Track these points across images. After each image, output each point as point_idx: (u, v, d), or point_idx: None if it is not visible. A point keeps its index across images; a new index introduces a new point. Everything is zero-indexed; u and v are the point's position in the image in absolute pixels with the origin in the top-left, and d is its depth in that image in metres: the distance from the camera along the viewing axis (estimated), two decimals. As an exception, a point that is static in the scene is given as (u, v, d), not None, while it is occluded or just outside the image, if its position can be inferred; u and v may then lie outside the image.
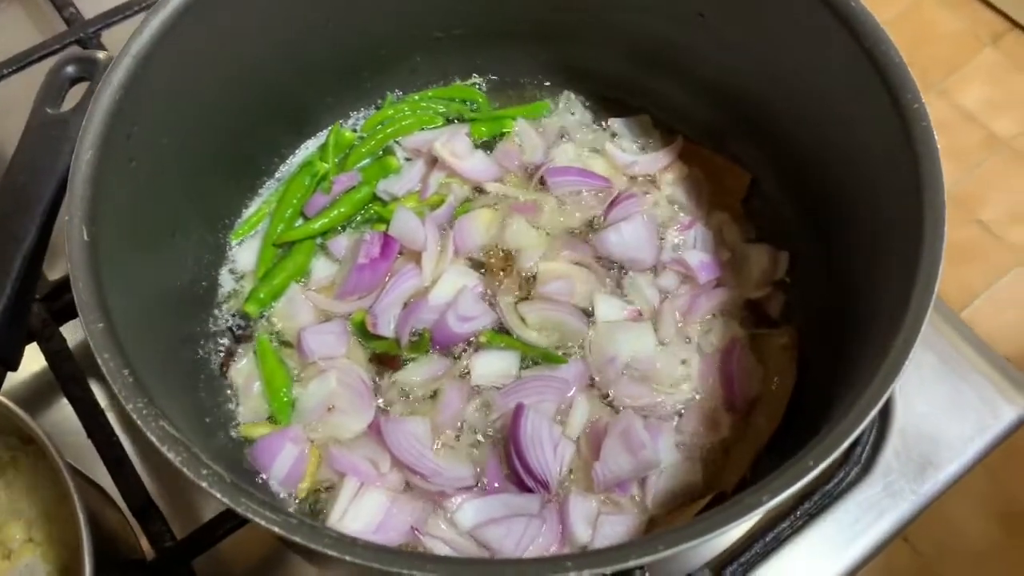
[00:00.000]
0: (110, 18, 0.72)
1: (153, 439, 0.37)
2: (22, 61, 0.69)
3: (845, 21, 0.47)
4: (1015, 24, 2.19)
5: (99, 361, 0.39)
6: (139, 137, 0.48)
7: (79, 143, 0.44)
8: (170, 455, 0.37)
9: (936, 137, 0.44)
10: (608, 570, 0.35)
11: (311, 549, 0.35)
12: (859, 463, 0.56)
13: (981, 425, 0.58)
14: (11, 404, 0.44)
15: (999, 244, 1.90)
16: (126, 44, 0.47)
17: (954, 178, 1.96)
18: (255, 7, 0.54)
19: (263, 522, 0.35)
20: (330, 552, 0.35)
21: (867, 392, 0.38)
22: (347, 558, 0.34)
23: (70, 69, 0.55)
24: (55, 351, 0.59)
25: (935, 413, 0.58)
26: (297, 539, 0.35)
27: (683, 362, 0.56)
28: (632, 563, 0.35)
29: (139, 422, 0.38)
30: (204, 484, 0.36)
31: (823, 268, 0.54)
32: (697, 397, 0.55)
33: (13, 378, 0.61)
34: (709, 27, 0.57)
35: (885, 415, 0.58)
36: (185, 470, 0.37)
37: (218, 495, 0.36)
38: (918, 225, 0.42)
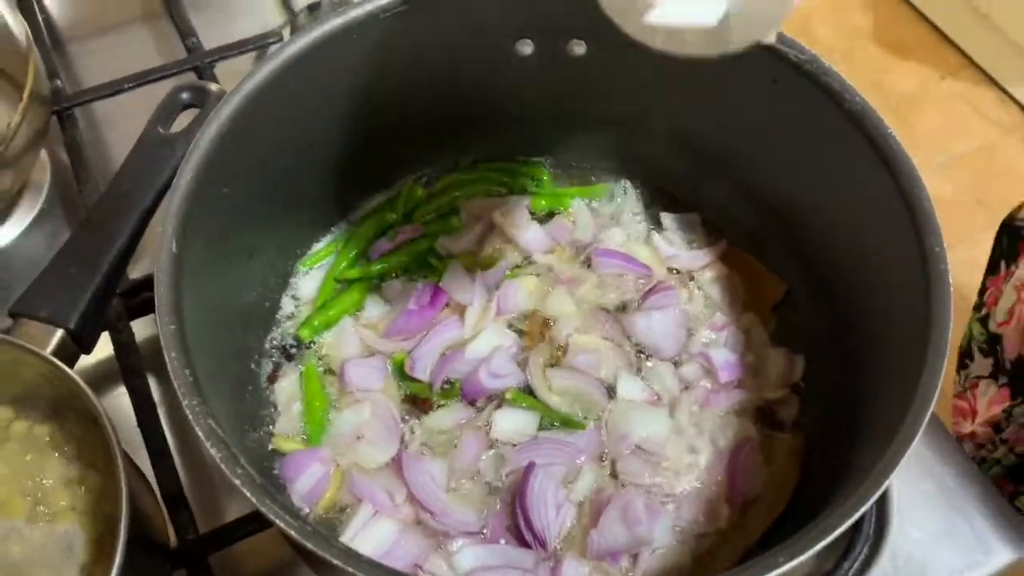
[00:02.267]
0: (225, 52, 0.80)
1: (201, 434, 0.42)
2: (144, 79, 0.77)
3: (886, 162, 0.51)
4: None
5: (167, 358, 0.44)
6: (234, 168, 0.54)
7: (183, 165, 0.50)
8: (212, 451, 0.42)
9: (951, 280, 0.47)
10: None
11: (321, 558, 0.39)
12: (847, 576, 0.58)
13: (972, 561, 0.59)
14: (84, 385, 0.49)
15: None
16: (239, 84, 0.53)
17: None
18: (361, 66, 0.60)
19: (283, 524, 0.39)
20: (338, 562, 0.39)
21: (847, 503, 0.41)
22: (350, 569, 0.38)
23: (184, 96, 0.61)
24: (124, 343, 0.65)
25: (928, 541, 0.60)
26: (310, 545, 0.39)
27: (692, 451, 0.59)
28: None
29: (191, 417, 0.42)
30: (237, 482, 0.41)
31: (835, 377, 0.57)
32: (700, 486, 0.58)
33: (82, 360, 0.67)
34: (765, 143, 0.62)
35: (879, 536, 0.60)
36: (223, 466, 0.41)
37: (247, 493, 0.40)
38: (921, 358, 0.45)
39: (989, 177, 2.19)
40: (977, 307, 1.03)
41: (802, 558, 0.40)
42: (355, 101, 0.63)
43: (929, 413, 0.43)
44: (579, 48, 0.63)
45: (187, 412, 0.43)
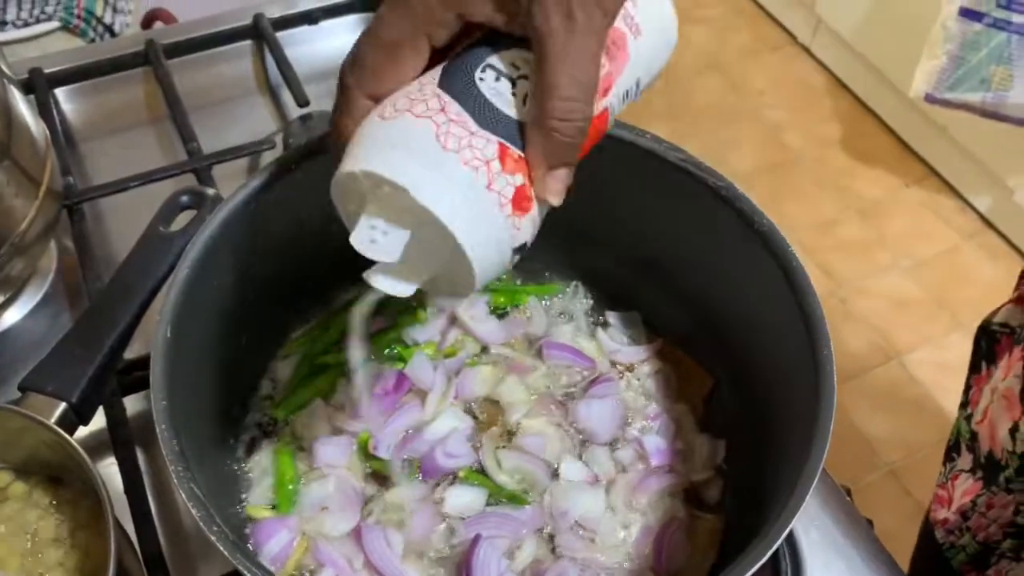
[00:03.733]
0: (222, 156, 0.89)
1: (183, 496, 0.49)
2: (147, 178, 0.85)
3: (786, 276, 0.60)
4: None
5: (158, 430, 0.51)
6: (225, 266, 0.62)
7: (182, 260, 0.58)
8: (193, 511, 0.48)
9: (835, 380, 0.55)
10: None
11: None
12: (760, 646, 0.64)
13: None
14: (84, 454, 0.56)
15: (1008, 490, 1.94)
16: (232, 193, 0.62)
17: (971, 417, 2.02)
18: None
19: (248, 573, 0.46)
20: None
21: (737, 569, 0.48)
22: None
23: (184, 199, 0.70)
24: (116, 416, 0.71)
25: (838, 617, 0.66)
26: (270, 594, 0.46)
27: (625, 527, 0.66)
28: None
29: (176, 482, 0.49)
30: (213, 538, 0.47)
31: (751, 460, 0.64)
32: (628, 564, 0.64)
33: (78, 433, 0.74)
34: (693, 257, 0.70)
35: (793, 610, 0.66)
36: (202, 525, 0.48)
37: (222, 548, 0.47)
38: (808, 442, 0.53)
39: (950, 280, 2.29)
40: (963, 405, 1.08)
41: None
42: (333, 212, 0.71)
43: (809, 492, 0.50)
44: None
45: (173, 476, 0.49)
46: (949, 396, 2.05)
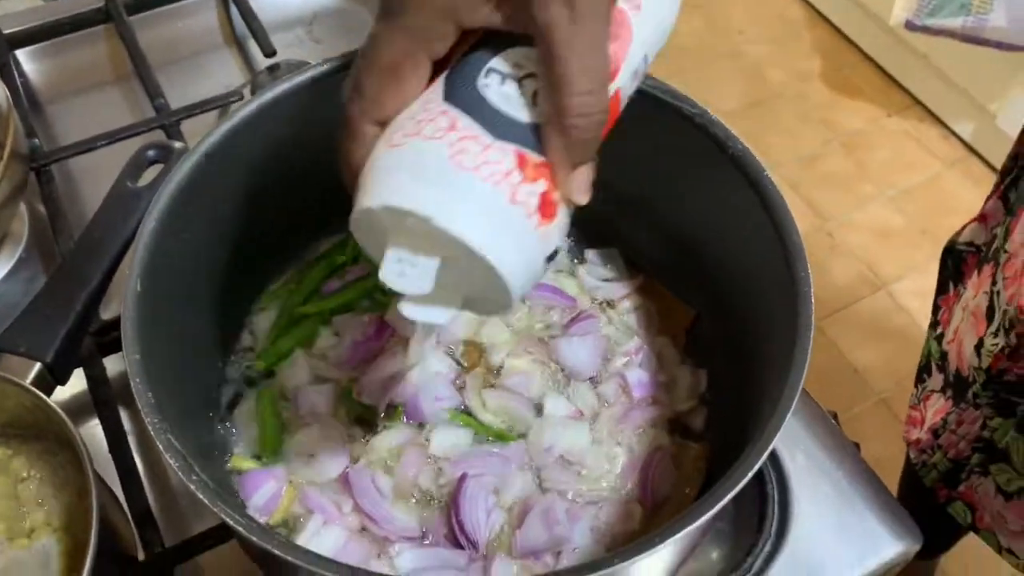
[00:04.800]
0: (190, 111, 0.87)
1: (160, 446, 0.48)
2: (115, 137, 0.84)
3: (762, 200, 0.59)
4: (1035, 206, 2.29)
5: (132, 384, 0.50)
6: (194, 217, 0.61)
7: (147, 215, 0.57)
8: (172, 462, 0.48)
9: (812, 300, 0.55)
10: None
11: (265, 551, 0.46)
12: (751, 570, 0.65)
13: (862, 555, 0.66)
14: (59, 411, 0.56)
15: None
16: (197, 143, 0.61)
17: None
18: (304, 126, 0.67)
19: (230, 521, 0.46)
20: (278, 552, 0.45)
21: (720, 491, 0.48)
22: (289, 559, 0.45)
23: (151, 153, 0.69)
24: (96, 377, 0.71)
25: (825, 538, 0.67)
26: (254, 539, 0.45)
27: (610, 460, 0.66)
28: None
29: (152, 433, 0.49)
30: (192, 487, 0.47)
31: (733, 387, 0.64)
32: (615, 491, 0.65)
33: (59, 395, 0.74)
34: (671, 188, 0.70)
35: (781, 534, 0.67)
36: (180, 474, 0.48)
37: (202, 497, 0.47)
38: (788, 365, 0.52)
39: (934, 208, 2.29)
40: (933, 325, 1.09)
41: (678, 535, 0.46)
42: (306, 156, 0.70)
43: (790, 411, 0.50)
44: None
45: (148, 428, 0.49)
46: (936, 324, 2.07)
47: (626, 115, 0.67)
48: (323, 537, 0.61)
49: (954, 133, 2.42)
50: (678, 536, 0.46)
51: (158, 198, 0.58)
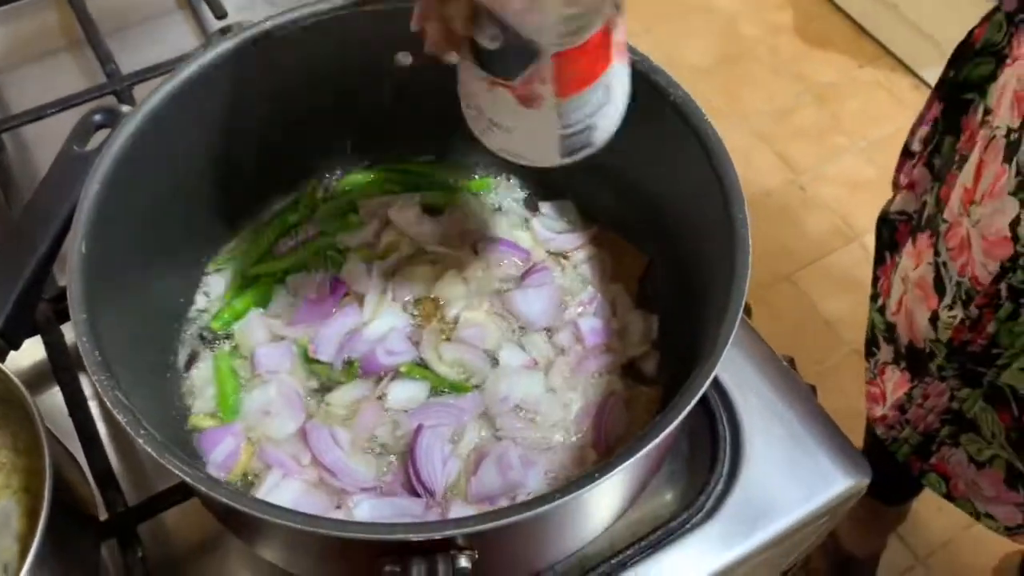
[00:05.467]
0: (142, 76, 0.87)
1: (108, 403, 0.49)
2: (64, 104, 0.83)
3: (702, 143, 0.60)
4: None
5: (79, 343, 0.51)
6: (142, 178, 0.61)
7: (90, 176, 0.57)
8: (120, 417, 0.49)
9: (749, 235, 0.55)
10: (435, 535, 0.45)
11: (221, 503, 0.47)
12: (703, 509, 0.66)
13: (811, 491, 0.68)
14: (9, 373, 0.56)
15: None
16: (139, 103, 0.61)
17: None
18: (251, 87, 0.67)
19: (176, 471, 0.47)
20: (226, 500, 0.46)
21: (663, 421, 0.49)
22: (237, 506, 0.46)
23: (97, 117, 0.68)
24: (54, 343, 0.71)
25: (776, 476, 0.68)
26: (202, 488, 0.46)
27: (564, 407, 0.67)
28: (456, 531, 0.46)
29: (100, 390, 0.49)
30: (140, 441, 0.48)
31: (682, 332, 0.65)
32: (571, 437, 0.66)
33: (17, 365, 0.74)
34: (619, 138, 0.70)
35: (733, 473, 0.68)
36: (128, 429, 0.48)
37: (150, 450, 0.48)
38: (726, 303, 0.54)
39: (906, 159, 2.30)
40: (873, 297, 1.10)
41: (619, 468, 0.47)
42: (253, 116, 0.70)
43: (729, 341, 0.52)
44: (452, 57, 0.71)
45: (97, 387, 0.50)
46: (908, 272, 2.09)
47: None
48: (282, 490, 0.62)
49: (924, 82, 2.42)
50: (619, 469, 0.47)
51: (100, 161, 0.58)
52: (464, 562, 0.49)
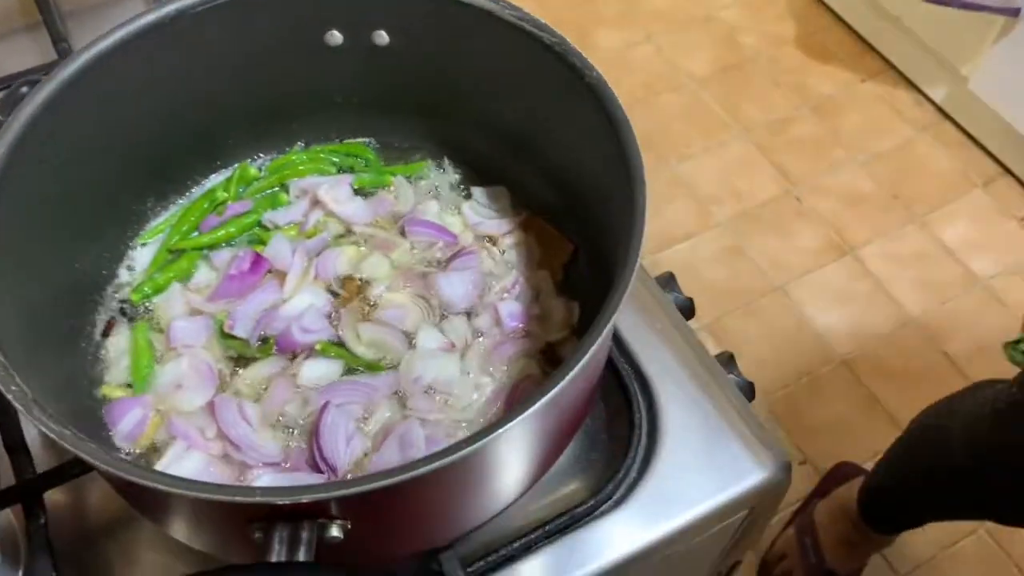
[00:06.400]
0: (93, 55, 0.87)
1: (-18, 360, 0.49)
2: (11, 80, 0.84)
3: (613, 128, 0.59)
4: (1007, 171, 2.28)
5: (-39, 302, 0.51)
6: (55, 148, 0.61)
7: (-2, 140, 0.58)
8: (-9, 376, 0.49)
9: (645, 220, 0.55)
10: (301, 498, 0.45)
11: (77, 457, 0.46)
12: (612, 496, 0.66)
13: (724, 483, 0.67)
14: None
15: (960, 376, 1.96)
16: (53, 70, 0.61)
17: (923, 307, 2.04)
18: (176, 62, 0.68)
19: (43, 427, 0.46)
20: (74, 448, 0.46)
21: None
22: (86, 457, 0.46)
23: (24, 89, 0.69)
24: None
25: (690, 466, 0.67)
26: (78, 451, 0.46)
27: (478, 389, 0.67)
28: (321, 495, 0.45)
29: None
30: (10, 397, 0.48)
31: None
32: (482, 418, 0.65)
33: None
34: (540, 125, 0.70)
35: (648, 461, 0.68)
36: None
37: (17, 404, 0.48)
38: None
39: (905, 173, 2.28)
40: None
41: (501, 430, 0.47)
42: (182, 91, 0.70)
43: (610, 323, 0.51)
44: (382, 39, 0.71)
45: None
46: (900, 286, 2.07)
47: (497, 49, 0.68)
48: (184, 461, 0.62)
49: (927, 98, 2.40)
50: (498, 432, 0.47)
51: (8, 125, 0.58)
52: (335, 531, 0.48)
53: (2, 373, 0.49)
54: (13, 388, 0.48)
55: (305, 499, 0.45)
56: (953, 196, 2.24)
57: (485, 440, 0.47)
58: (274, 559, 0.46)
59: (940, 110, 2.39)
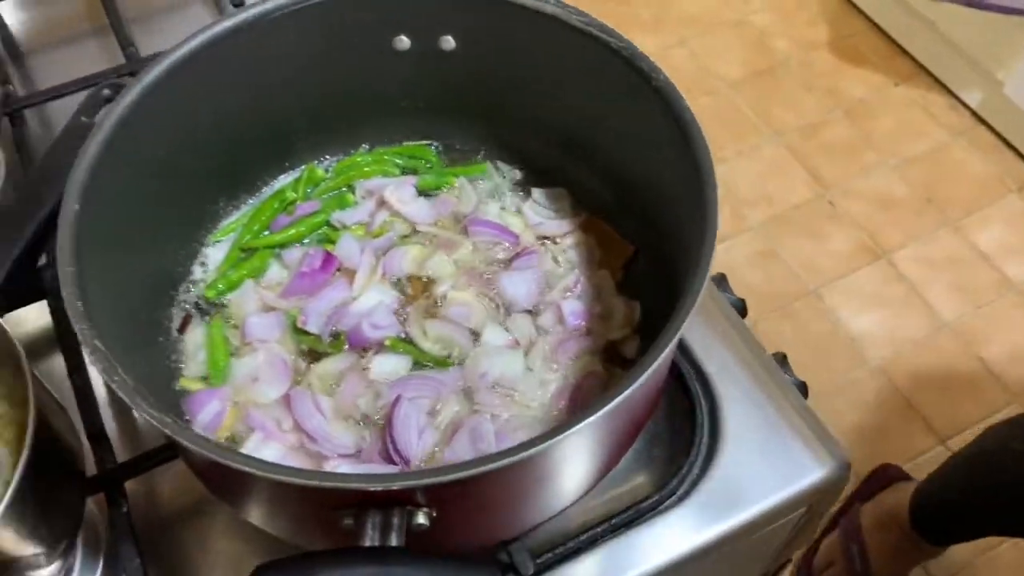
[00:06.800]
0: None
1: (85, 352, 0.51)
2: (84, 84, 0.87)
3: (682, 132, 0.61)
4: (1045, 175, 2.27)
5: (63, 294, 0.53)
6: (140, 147, 0.64)
7: (89, 140, 0.60)
8: (96, 364, 0.51)
9: (717, 221, 0.56)
10: (392, 486, 0.47)
11: (179, 444, 0.48)
12: (676, 492, 0.67)
13: (786, 480, 0.68)
14: (7, 330, 0.59)
15: (996, 382, 1.96)
16: (139, 75, 0.63)
17: (958, 312, 2.03)
18: (251, 66, 0.70)
19: (145, 415, 0.49)
20: (178, 437, 0.48)
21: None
22: (185, 442, 0.48)
23: (107, 91, 0.71)
24: (59, 309, 0.74)
25: (752, 463, 0.69)
26: (167, 431, 0.48)
27: (542, 386, 0.68)
28: (412, 482, 0.47)
29: (80, 339, 0.52)
30: (114, 386, 0.50)
31: (667, 316, 0.66)
32: (547, 414, 0.67)
33: (24, 330, 0.77)
34: (606, 128, 0.71)
35: (710, 457, 0.69)
36: (104, 376, 0.51)
37: (122, 395, 0.50)
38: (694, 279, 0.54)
39: (938, 177, 2.28)
40: None
41: (580, 424, 0.48)
42: (254, 94, 0.72)
43: (696, 304, 0.52)
44: (448, 43, 0.73)
45: (78, 336, 0.52)
46: (934, 290, 2.06)
47: (562, 53, 0.70)
48: (262, 452, 0.64)
49: (962, 102, 2.40)
50: (579, 427, 0.48)
51: (101, 124, 0.61)
52: (422, 519, 0.50)
53: (106, 364, 0.51)
54: (116, 378, 0.50)
55: (396, 486, 0.47)
56: (988, 201, 2.23)
57: (568, 431, 0.48)
58: (367, 544, 0.47)
59: (975, 114, 2.38)
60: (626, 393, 0.50)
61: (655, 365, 0.51)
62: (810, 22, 2.61)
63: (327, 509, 0.50)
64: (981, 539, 1.67)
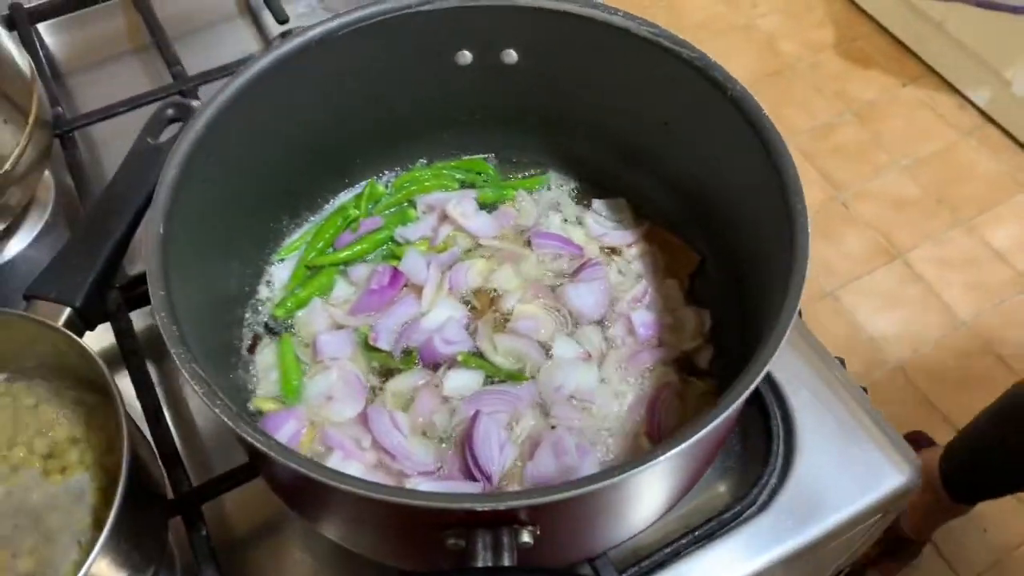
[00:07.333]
0: (207, 76, 0.90)
1: (186, 375, 0.51)
2: (134, 103, 0.87)
3: (760, 136, 0.61)
4: (1056, 172, 2.28)
5: (157, 318, 0.53)
6: (212, 168, 0.64)
7: (167, 163, 0.59)
8: (197, 389, 0.50)
9: (808, 229, 0.56)
10: (500, 506, 0.46)
11: (292, 472, 0.48)
12: (755, 502, 0.67)
13: (864, 488, 0.68)
14: (91, 350, 0.58)
15: (1015, 378, 1.96)
16: (212, 97, 0.63)
17: (975, 310, 2.04)
18: (316, 84, 0.70)
19: (248, 438, 0.48)
20: (296, 466, 0.47)
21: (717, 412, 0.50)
22: (309, 472, 0.47)
23: (170, 111, 0.71)
24: (123, 330, 0.74)
25: (828, 472, 0.69)
26: (270, 452, 0.48)
27: (618, 398, 0.68)
28: (521, 502, 0.47)
29: (178, 363, 0.51)
30: (217, 411, 0.50)
31: (737, 327, 0.66)
32: (625, 426, 0.67)
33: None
34: (672, 136, 0.71)
35: (786, 467, 0.69)
36: (205, 400, 0.50)
37: (226, 420, 0.49)
38: (784, 296, 0.54)
39: (949, 178, 2.29)
40: None
41: (680, 447, 0.48)
42: (318, 112, 0.72)
43: (785, 336, 0.52)
44: (510, 57, 0.73)
45: (175, 359, 0.51)
46: (951, 289, 2.07)
47: (628, 64, 0.69)
48: (343, 470, 0.64)
49: (970, 102, 2.41)
50: (678, 449, 0.48)
51: (177, 147, 0.60)
52: (526, 537, 0.50)
53: (206, 388, 0.50)
54: (218, 403, 0.50)
55: (517, 504, 0.47)
56: (999, 199, 2.24)
57: (668, 453, 0.48)
58: (480, 564, 0.47)
59: (983, 113, 2.39)
60: (728, 412, 0.50)
61: (743, 397, 0.50)
62: (817, 24, 2.62)
63: (431, 529, 0.50)
64: (1010, 534, 1.68)
